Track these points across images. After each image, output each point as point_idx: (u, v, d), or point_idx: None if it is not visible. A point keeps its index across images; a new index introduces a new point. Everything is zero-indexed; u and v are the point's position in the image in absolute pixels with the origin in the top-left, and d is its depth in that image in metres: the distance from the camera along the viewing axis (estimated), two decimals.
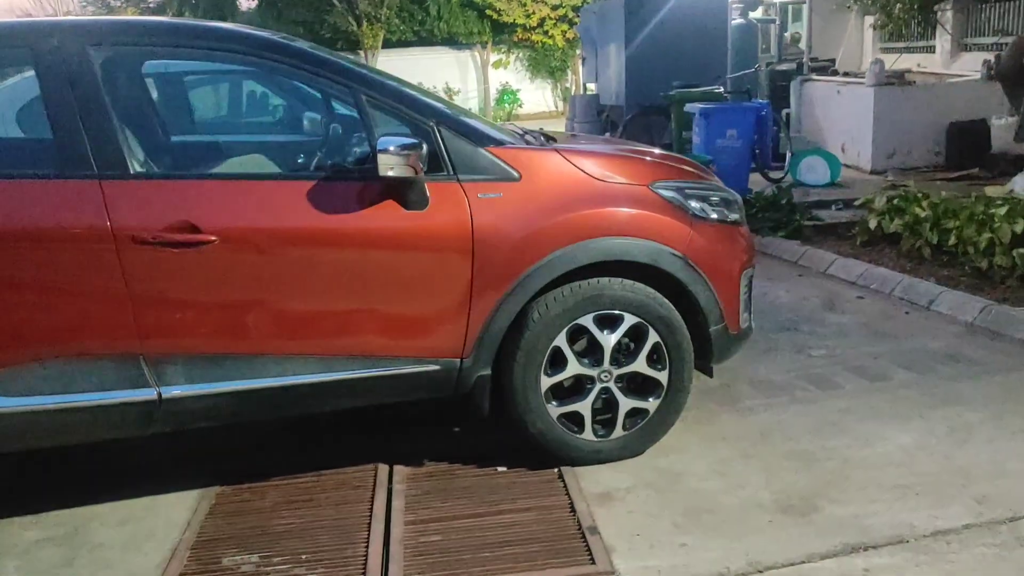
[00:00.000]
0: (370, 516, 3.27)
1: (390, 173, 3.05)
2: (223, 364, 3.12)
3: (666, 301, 3.51)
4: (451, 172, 3.28)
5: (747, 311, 3.86)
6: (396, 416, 4.12)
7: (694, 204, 3.57)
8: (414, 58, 22.86)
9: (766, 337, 5.05)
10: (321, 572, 2.94)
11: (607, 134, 11.96)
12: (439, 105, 3.42)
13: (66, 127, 2.98)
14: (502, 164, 3.34)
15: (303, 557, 3.03)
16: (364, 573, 2.91)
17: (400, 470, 3.63)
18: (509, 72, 24.22)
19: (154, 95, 3.62)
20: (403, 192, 3.19)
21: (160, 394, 3.07)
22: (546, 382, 3.46)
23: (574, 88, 23.11)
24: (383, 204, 3.20)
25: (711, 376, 3.88)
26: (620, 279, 3.46)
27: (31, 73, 3.04)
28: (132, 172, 3.03)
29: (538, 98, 24.40)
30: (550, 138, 3.93)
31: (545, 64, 23.76)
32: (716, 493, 3.33)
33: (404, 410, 4.04)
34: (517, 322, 3.40)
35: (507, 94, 24.12)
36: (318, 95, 4.12)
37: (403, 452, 3.76)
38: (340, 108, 3.93)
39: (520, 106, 24.11)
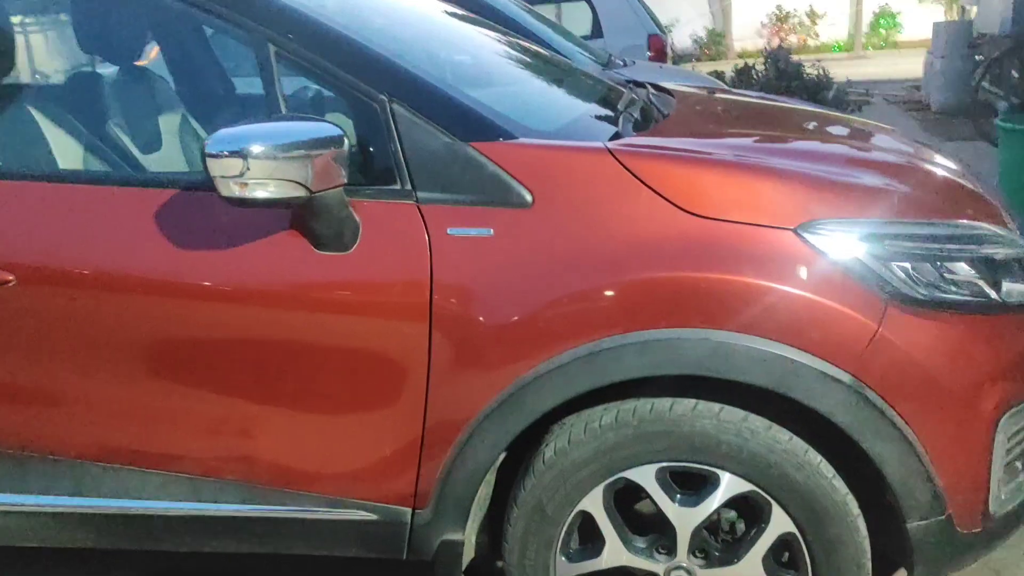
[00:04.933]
0: None
1: (247, 194, 1.67)
2: (33, 469, 2.01)
3: (812, 458, 1.77)
4: (406, 185, 1.83)
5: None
6: None
7: (900, 268, 1.74)
8: None
9: None
10: None
11: (979, 73, 9.06)
12: (403, 66, 1.92)
13: None
14: (500, 175, 1.80)
15: None
16: None
17: None
18: None
19: None
20: (307, 220, 1.81)
21: None
22: (566, 570, 1.92)
23: (976, 8, 18.86)
24: (278, 237, 1.84)
25: None
26: (715, 406, 1.79)
27: None
28: None
29: (927, 22, 20.34)
30: (661, 102, 2.23)
31: None
32: None
33: None
34: (513, 462, 1.91)
35: (884, 17, 20.41)
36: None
37: None
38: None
39: (900, 31, 20.30)
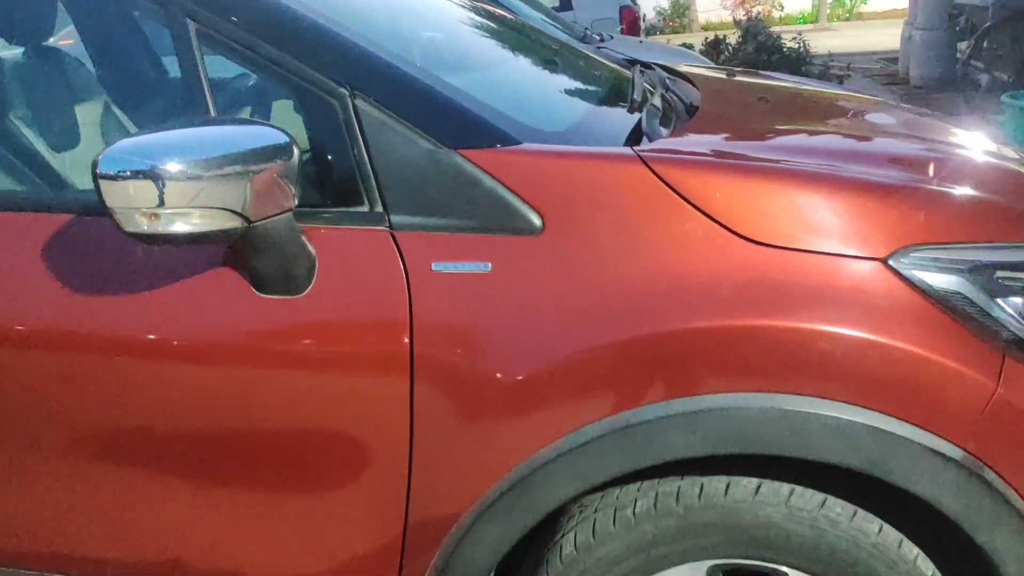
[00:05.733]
0: None
1: (160, 228, 1.23)
2: None
3: (907, 552, 1.39)
4: (376, 207, 1.40)
5: None
6: None
7: (1012, 306, 1.34)
8: None
9: None
10: None
11: (968, 46, 8.77)
12: (369, 50, 1.48)
13: None
14: (500, 192, 1.38)
15: None
16: None
17: None
18: None
19: None
20: (246, 257, 1.37)
21: None
22: None
23: None
24: (208, 277, 1.41)
25: None
26: (784, 489, 1.39)
27: None
28: None
29: None
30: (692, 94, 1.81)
31: None
32: None
33: None
34: (520, 559, 1.50)
35: None
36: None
37: None
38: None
39: (864, 2, 20.05)
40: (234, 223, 1.26)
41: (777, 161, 1.47)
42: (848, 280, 1.33)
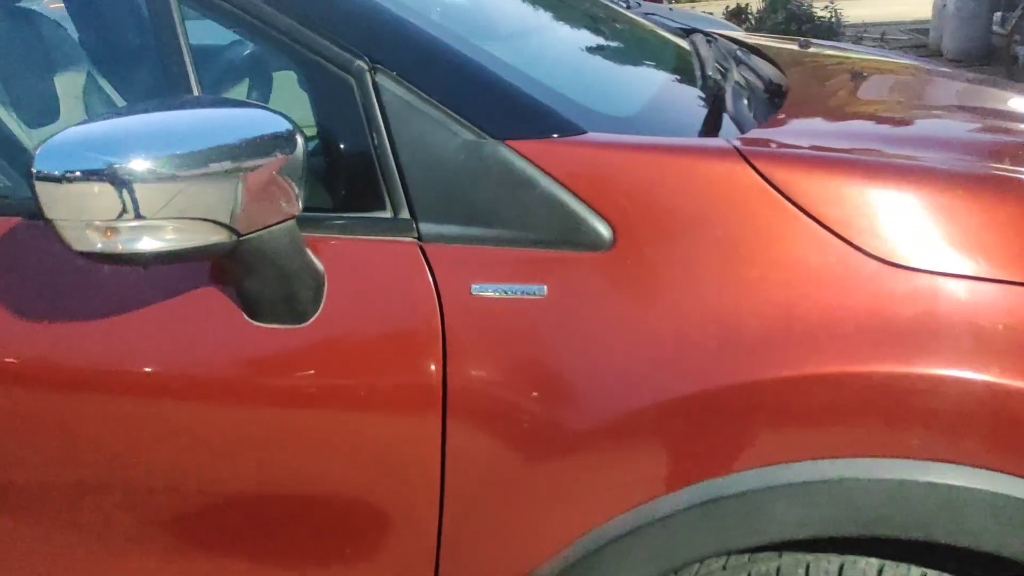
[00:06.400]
0: None
1: (120, 246, 0.93)
2: None
3: None
4: (401, 212, 1.10)
5: None
6: None
7: None
8: None
9: None
10: None
11: (999, 17, 8.35)
12: (393, 11, 1.17)
13: None
14: (560, 196, 1.08)
15: None
16: None
17: None
18: None
19: None
20: (236, 276, 1.08)
21: None
22: None
23: None
24: (190, 299, 1.12)
25: None
26: (911, 573, 1.10)
27: None
28: None
29: None
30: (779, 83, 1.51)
31: None
32: None
33: None
34: None
35: None
36: None
37: None
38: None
39: None
40: (219, 237, 0.97)
41: (911, 157, 1.17)
42: (1010, 315, 1.03)
